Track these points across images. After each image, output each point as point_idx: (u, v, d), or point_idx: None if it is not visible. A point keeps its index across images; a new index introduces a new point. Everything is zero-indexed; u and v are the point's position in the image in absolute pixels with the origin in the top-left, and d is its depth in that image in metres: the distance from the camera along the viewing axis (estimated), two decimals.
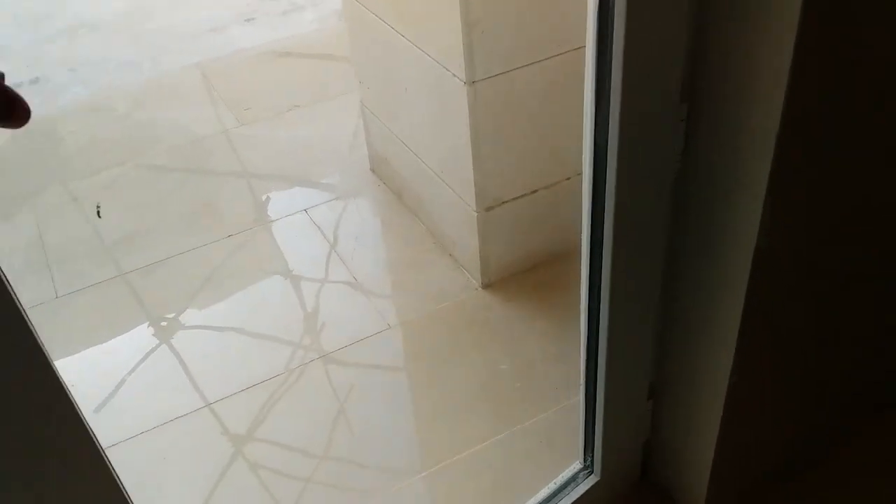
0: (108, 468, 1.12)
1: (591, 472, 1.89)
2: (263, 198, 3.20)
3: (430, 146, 2.61)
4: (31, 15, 4.94)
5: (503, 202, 2.51)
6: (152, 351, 2.52)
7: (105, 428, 2.23)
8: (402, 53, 2.52)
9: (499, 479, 2.12)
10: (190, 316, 2.67)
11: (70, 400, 0.99)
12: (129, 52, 4.49)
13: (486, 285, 2.67)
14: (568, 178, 2.58)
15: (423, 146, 2.67)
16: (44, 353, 0.96)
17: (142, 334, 2.61)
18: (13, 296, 0.88)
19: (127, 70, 4.33)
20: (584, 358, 1.73)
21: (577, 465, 1.91)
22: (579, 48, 2.34)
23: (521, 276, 2.69)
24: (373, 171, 3.24)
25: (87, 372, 2.48)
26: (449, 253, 2.81)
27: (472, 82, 2.23)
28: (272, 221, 3.07)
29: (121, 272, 2.87)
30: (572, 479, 1.89)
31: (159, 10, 4.89)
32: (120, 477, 1.22)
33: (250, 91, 3.89)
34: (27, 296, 2.82)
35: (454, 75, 2.26)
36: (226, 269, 2.87)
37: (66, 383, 1.00)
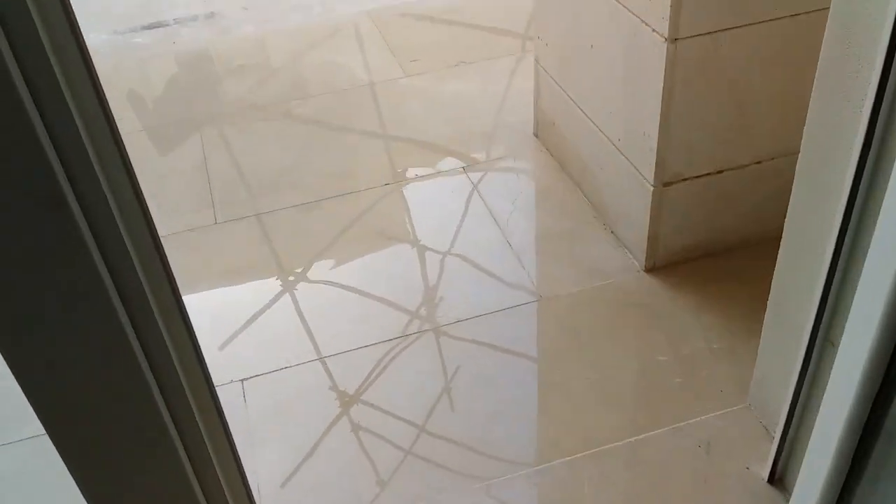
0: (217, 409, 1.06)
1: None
2: (421, 152, 3.07)
3: (611, 110, 2.38)
4: None
5: (683, 179, 2.26)
6: (277, 298, 2.49)
7: (223, 367, 2.22)
8: (593, 4, 2.30)
9: (640, 483, 1.89)
10: (316, 270, 2.59)
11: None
12: None
13: (650, 268, 2.43)
14: (758, 162, 2.30)
15: (602, 110, 2.44)
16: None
17: (270, 281, 2.57)
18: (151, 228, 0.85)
19: (296, 12, 4.31)
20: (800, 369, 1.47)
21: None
22: (798, 14, 2.05)
23: (690, 262, 2.43)
24: (536, 135, 3.04)
25: (218, 308, 2.46)
26: (611, 229, 2.58)
27: (673, 40, 1.99)
28: (426, 177, 2.93)
29: (257, 212, 2.82)
30: None
31: None
32: (227, 416, 1.14)
33: (418, 44, 3.76)
34: (187, 219, 2.82)
35: (654, 30, 2.03)
36: (367, 221, 2.76)
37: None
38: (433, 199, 2.83)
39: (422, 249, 2.61)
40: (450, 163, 2.98)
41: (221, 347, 2.30)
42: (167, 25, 4.35)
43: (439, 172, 2.94)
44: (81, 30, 0.86)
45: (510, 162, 2.96)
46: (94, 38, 4.25)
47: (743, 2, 1.99)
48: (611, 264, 2.48)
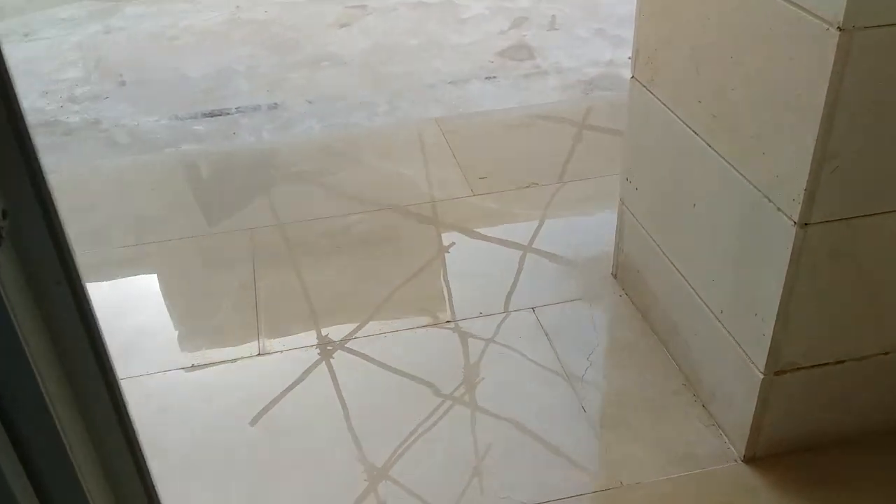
0: None
1: None
2: (486, 285, 2.80)
3: (713, 278, 2.10)
4: (281, 42, 4.92)
5: (798, 367, 1.96)
6: (313, 367, 2.51)
7: (255, 439, 2.27)
8: (703, 166, 2.05)
9: None
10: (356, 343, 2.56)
11: None
12: (366, 92, 4.31)
13: (750, 459, 2.11)
14: (885, 353, 1.99)
15: (702, 275, 2.17)
16: None
17: (308, 350, 2.58)
18: None
19: (361, 110, 4.15)
20: None
21: None
22: None
23: (798, 455, 2.11)
24: (614, 276, 2.77)
25: (255, 376, 2.50)
26: (703, 403, 2.28)
27: (804, 224, 1.72)
28: (490, 315, 2.67)
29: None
30: None
31: (401, 54, 4.71)
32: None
33: (487, 157, 3.54)
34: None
35: (780, 210, 1.76)
36: (413, 360, 2.49)
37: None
38: (497, 346, 2.56)
39: (475, 410, 2.33)
40: (518, 300, 2.71)
41: (253, 422, 2.31)
42: (228, 114, 4.21)
43: (506, 312, 2.67)
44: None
45: (585, 306, 2.68)
46: (153, 122, 4.12)
47: (884, 187, 1.72)
48: (703, 448, 2.17)
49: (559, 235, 3.01)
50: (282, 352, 2.55)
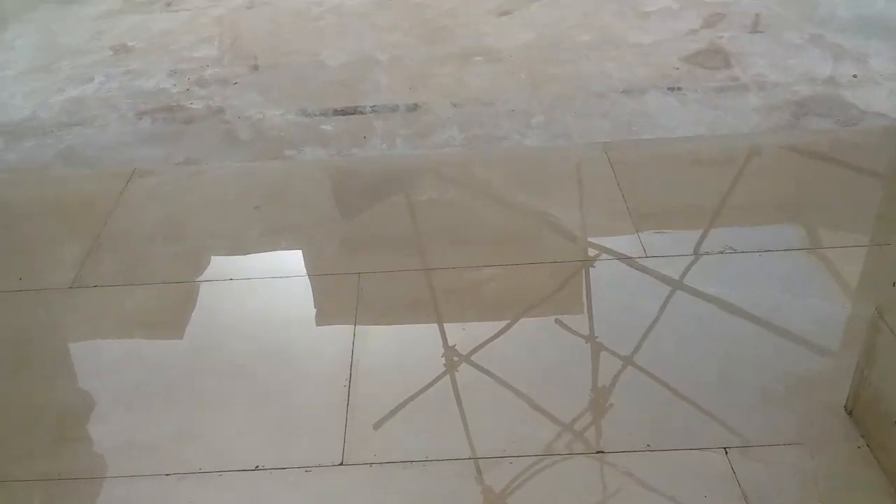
0: None
1: None
2: (662, 408, 2.00)
3: None
4: (432, 29, 4.22)
5: None
6: (438, 379, 2.04)
7: (372, 449, 1.88)
8: None
9: None
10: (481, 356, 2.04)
11: None
12: (521, 97, 3.54)
13: None
14: None
15: None
16: None
17: (435, 360, 2.09)
18: None
19: (513, 120, 3.38)
20: None
21: None
22: None
23: None
24: (849, 412, 1.89)
25: (383, 375, 2.08)
26: None
27: None
28: (664, 454, 1.86)
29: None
30: None
31: (567, 52, 3.88)
32: None
33: (669, 204, 2.70)
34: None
35: None
36: None
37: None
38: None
39: None
40: (704, 433, 1.89)
41: (377, 426, 1.92)
42: (362, 113, 3.56)
43: (687, 449, 1.86)
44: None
45: (803, 455, 1.82)
46: (279, 116, 3.54)
47: None
48: None
49: (767, 342, 2.13)
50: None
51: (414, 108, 3.58)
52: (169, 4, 4.78)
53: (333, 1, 4.65)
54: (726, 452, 1.83)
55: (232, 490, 1.83)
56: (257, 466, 1.88)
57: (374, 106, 3.61)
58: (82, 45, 4.40)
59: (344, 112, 3.59)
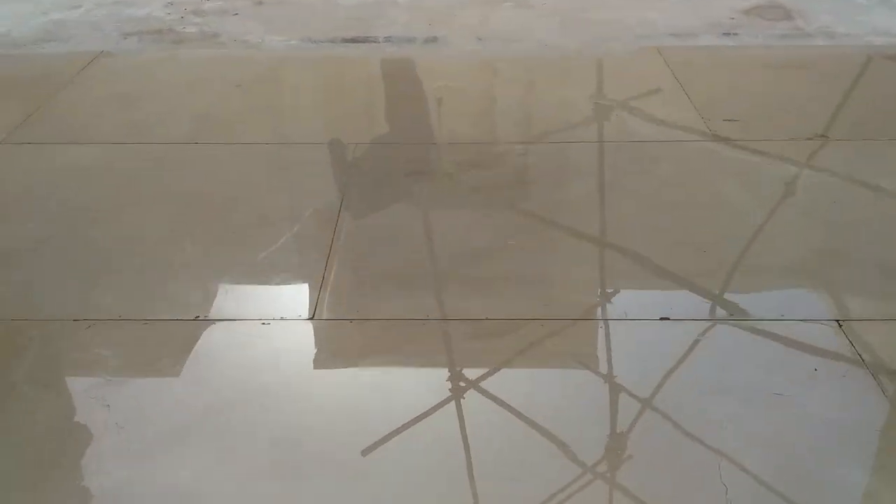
0: None
1: None
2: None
3: None
4: None
5: None
6: (442, 404, 1.37)
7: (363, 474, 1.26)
8: None
9: None
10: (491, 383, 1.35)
11: None
12: (553, 36, 3.12)
13: None
14: None
15: None
16: None
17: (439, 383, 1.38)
18: None
19: (547, 50, 2.96)
20: None
21: None
22: None
23: None
24: None
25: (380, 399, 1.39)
26: None
27: None
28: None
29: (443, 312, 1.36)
30: None
31: (606, 1, 3.50)
32: None
33: (734, 99, 2.23)
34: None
35: None
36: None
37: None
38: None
39: None
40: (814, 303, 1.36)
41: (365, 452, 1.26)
42: (374, 42, 3.14)
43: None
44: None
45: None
46: (280, 42, 3.12)
47: None
48: None
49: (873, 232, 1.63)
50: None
51: (433, 39, 3.15)
52: None
53: None
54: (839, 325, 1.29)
55: None
56: None
57: (388, 37, 3.19)
58: None
59: (354, 40, 3.17)
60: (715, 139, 1.99)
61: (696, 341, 1.44)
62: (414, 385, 1.40)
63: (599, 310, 1.54)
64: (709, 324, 1.48)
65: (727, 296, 1.54)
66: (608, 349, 1.44)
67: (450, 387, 1.41)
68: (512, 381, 1.41)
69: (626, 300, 1.56)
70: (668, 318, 1.49)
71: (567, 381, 1.39)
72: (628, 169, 1.95)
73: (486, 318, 1.52)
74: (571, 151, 2.07)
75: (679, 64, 2.45)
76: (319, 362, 1.46)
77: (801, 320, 1.43)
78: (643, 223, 1.76)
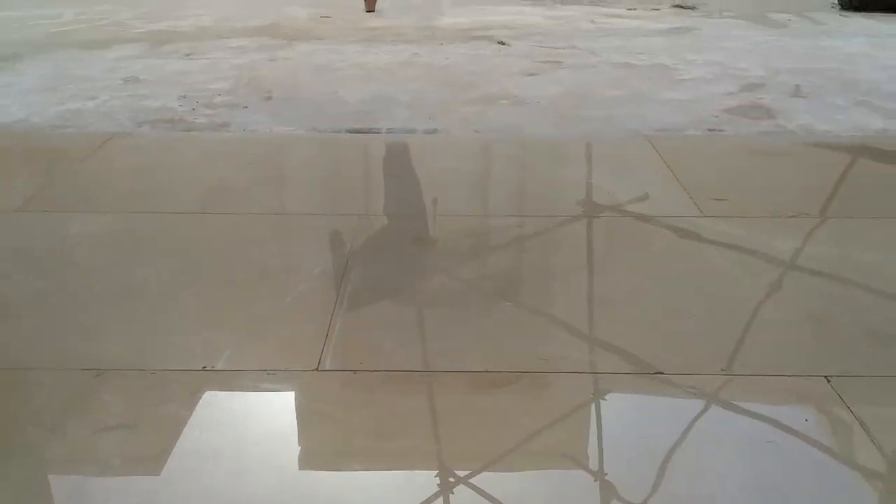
0: None
1: None
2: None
3: None
4: (455, 82, 4.08)
5: None
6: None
7: None
8: None
9: None
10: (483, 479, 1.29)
11: None
12: (549, 131, 3.29)
13: None
14: None
15: None
16: None
17: (426, 476, 1.34)
18: None
19: (541, 138, 3.11)
20: None
21: None
22: None
23: None
24: None
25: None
26: None
27: None
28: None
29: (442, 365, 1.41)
30: None
31: (597, 102, 3.69)
32: None
33: (722, 181, 2.35)
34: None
35: None
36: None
37: None
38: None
39: None
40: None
41: None
42: (377, 133, 3.30)
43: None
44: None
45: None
46: (287, 131, 3.28)
47: None
48: None
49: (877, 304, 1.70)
50: None
51: (433, 131, 3.32)
52: (189, 55, 4.71)
53: (357, 59, 4.57)
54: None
55: None
56: None
57: (390, 129, 3.36)
58: (93, 76, 4.26)
59: (358, 131, 3.33)
60: (704, 215, 2.09)
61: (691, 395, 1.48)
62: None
63: (596, 364, 1.59)
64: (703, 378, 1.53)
65: (722, 354, 1.60)
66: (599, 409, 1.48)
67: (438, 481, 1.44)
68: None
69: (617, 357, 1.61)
70: (662, 373, 1.54)
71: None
72: (620, 242, 2.04)
73: (486, 371, 1.57)
74: (564, 224, 2.16)
75: (668, 150, 2.60)
76: (320, 413, 1.49)
77: (791, 376, 1.48)
78: (636, 290, 1.83)
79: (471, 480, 1.33)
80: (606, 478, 1.32)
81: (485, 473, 1.33)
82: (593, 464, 1.35)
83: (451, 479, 1.37)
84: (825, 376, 1.49)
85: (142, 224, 2.18)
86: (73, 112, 3.58)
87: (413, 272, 1.98)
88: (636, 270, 1.90)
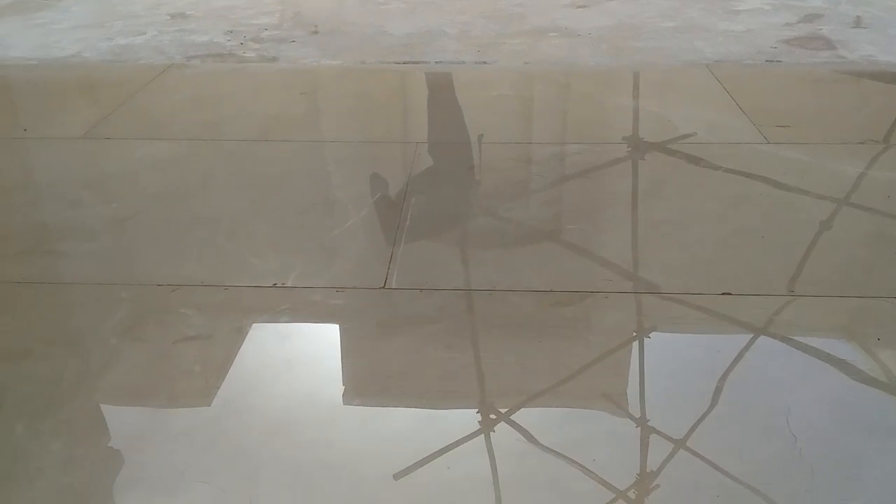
0: None
1: None
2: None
3: None
4: (504, 14, 4.04)
5: None
6: (469, 437, 1.32)
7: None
8: None
9: None
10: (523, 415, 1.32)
11: None
12: (603, 59, 3.26)
13: None
14: None
15: None
16: None
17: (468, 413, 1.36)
18: None
19: (595, 67, 3.09)
20: None
21: None
22: None
23: None
24: None
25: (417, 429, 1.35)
26: None
27: None
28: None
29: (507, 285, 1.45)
30: None
31: (650, 33, 3.63)
32: None
33: (784, 109, 2.32)
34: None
35: None
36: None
37: None
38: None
39: None
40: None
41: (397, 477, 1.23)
42: (425, 64, 3.31)
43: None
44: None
45: None
46: (339, 65, 3.30)
47: None
48: None
49: None
50: None
51: (482, 63, 3.31)
52: None
53: None
54: None
55: None
56: None
57: (438, 61, 3.35)
58: (139, 12, 4.29)
59: (405, 63, 3.33)
60: (769, 142, 2.09)
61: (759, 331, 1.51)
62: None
63: (659, 284, 1.62)
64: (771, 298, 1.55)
65: (785, 279, 1.62)
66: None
67: (479, 417, 1.49)
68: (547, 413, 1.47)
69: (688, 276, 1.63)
70: (730, 293, 1.56)
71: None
72: (684, 168, 2.05)
73: (552, 290, 1.61)
74: (626, 151, 2.17)
75: (728, 78, 2.57)
76: (388, 327, 1.55)
77: (861, 297, 1.49)
78: (703, 215, 1.85)
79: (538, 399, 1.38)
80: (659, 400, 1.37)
81: (553, 392, 1.38)
82: (657, 381, 1.40)
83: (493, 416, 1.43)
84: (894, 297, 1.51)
85: (205, 150, 2.24)
86: (123, 47, 3.63)
87: (472, 197, 2.01)
88: (701, 195, 1.91)
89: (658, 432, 1.27)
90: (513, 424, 1.31)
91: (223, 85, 2.80)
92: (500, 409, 1.34)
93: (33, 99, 2.67)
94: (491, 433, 1.29)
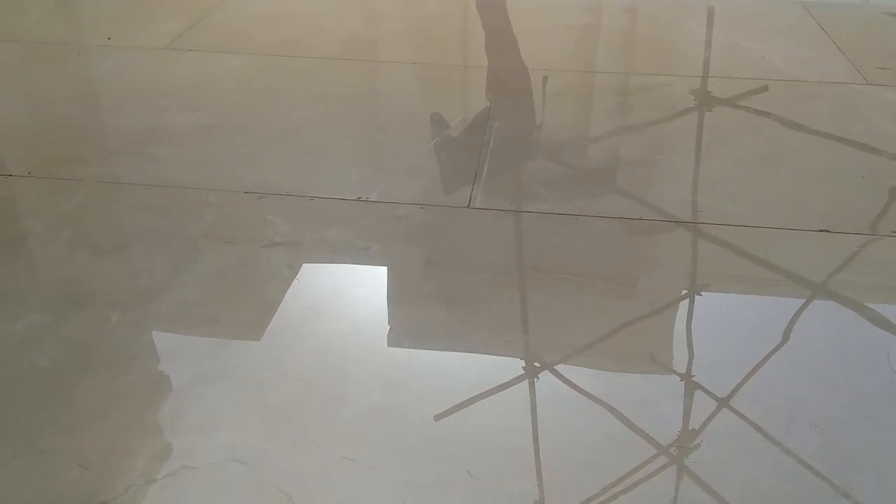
0: None
1: None
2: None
3: None
4: None
5: None
6: (511, 383, 1.29)
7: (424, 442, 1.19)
8: None
9: None
10: (566, 369, 1.29)
11: None
12: None
13: None
14: None
15: None
16: None
17: (512, 361, 1.30)
18: None
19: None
20: None
21: None
22: None
23: None
24: None
25: (449, 371, 1.31)
26: None
27: None
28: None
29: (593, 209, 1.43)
30: None
31: None
32: None
33: (884, 50, 2.24)
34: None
35: None
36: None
37: None
38: None
39: None
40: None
41: (438, 418, 1.18)
42: None
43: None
44: None
45: None
46: None
47: None
48: None
49: None
50: None
51: None
52: None
53: None
54: None
55: None
56: None
57: None
58: None
59: None
60: (869, 84, 2.01)
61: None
62: None
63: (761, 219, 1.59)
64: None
65: (883, 219, 1.57)
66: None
67: (522, 363, 1.48)
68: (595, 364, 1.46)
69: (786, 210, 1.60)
70: (828, 231, 1.53)
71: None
72: (782, 105, 1.98)
73: (640, 219, 1.59)
74: (720, 84, 2.11)
75: (824, 17, 2.47)
76: (476, 247, 1.55)
77: None
78: (799, 151, 1.80)
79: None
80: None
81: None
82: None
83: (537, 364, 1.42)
84: None
85: (285, 66, 2.23)
86: None
87: (555, 123, 1.98)
88: (800, 132, 1.86)
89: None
90: (557, 374, 1.32)
91: (296, 3, 2.77)
92: (546, 359, 1.34)
93: (115, 9, 2.69)
94: (535, 380, 1.30)
